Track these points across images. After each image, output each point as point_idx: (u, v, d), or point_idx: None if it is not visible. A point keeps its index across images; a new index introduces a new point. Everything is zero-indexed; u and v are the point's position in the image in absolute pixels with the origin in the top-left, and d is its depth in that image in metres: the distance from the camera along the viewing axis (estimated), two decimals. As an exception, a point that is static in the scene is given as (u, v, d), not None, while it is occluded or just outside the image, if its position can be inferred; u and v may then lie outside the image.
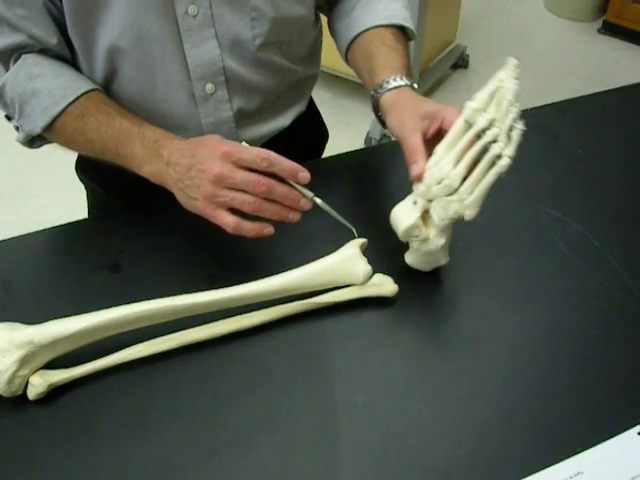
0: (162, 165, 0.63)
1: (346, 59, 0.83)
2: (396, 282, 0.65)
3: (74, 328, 0.56)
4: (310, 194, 0.62)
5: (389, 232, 0.64)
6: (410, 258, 0.66)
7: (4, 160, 2.06)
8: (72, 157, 0.87)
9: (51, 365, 0.58)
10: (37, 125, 0.69)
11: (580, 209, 0.77)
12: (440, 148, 0.59)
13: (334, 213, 0.64)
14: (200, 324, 0.62)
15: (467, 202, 0.57)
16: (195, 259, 0.70)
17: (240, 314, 0.62)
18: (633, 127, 0.92)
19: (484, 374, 0.60)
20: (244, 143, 0.62)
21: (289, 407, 0.57)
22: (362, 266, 0.63)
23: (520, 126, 0.55)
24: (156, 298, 0.59)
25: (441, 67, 2.38)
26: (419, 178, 0.60)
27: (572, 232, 0.74)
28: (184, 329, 0.61)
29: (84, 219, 0.80)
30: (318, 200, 0.63)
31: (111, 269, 0.69)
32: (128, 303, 0.58)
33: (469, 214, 0.58)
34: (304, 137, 0.93)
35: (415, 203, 0.61)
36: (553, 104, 0.95)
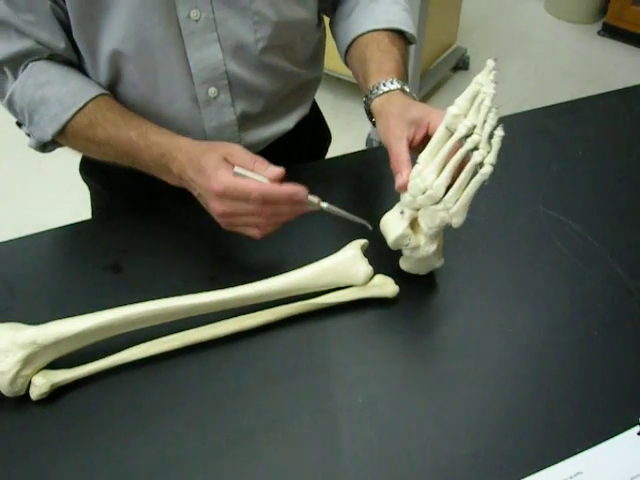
0: (176, 179, 0.66)
1: (345, 62, 0.82)
2: (397, 283, 0.65)
3: (77, 328, 0.56)
4: (316, 201, 0.62)
5: (390, 233, 0.64)
6: (404, 264, 0.66)
7: (8, 161, 2.06)
8: (76, 158, 0.88)
9: (54, 365, 0.58)
10: (47, 133, 0.69)
11: (580, 210, 0.77)
12: (423, 156, 0.59)
13: (344, 213, 0.64)
14: (202, 324, 0.62)
15: (452, 211, 0.58)
16: (197, 260, 0.70)
17: (242, 314, 0.63)
18: (633, 129, 0.92)
19: (484, 374, 0.60)
20: (239, 146, 0.63)
21: (290, 407, 0.58)
22: (363, 267, 0.64)
23: (500, 132, 0.54)
24: (158, 298, 0.59)
25: (442, 69, 2.38)
26: (403, 189, 0.60)
27: (572, 232, 0.74)
28: (186, 329, 0.61)
29: (87, 220, 0.80)
30: (325, 205, 0.63)
31: (114, 270, 0.69)
32: (131, 303, 0.59)
33: (456, 222, 0.58)
34: (307, 140, 0.93)
35: (402, 213, 0.62)
36: (553, 106, 0.96)
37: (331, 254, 0.65)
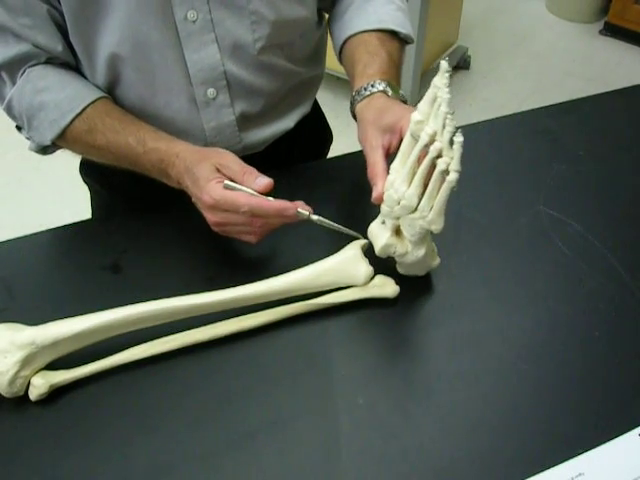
0: (175, 183, 0.66)
1: (340, 62, 0.82)
2: (397, 283, 0.65)
3: (76, 329, 0.56)
4: (306, 214, 0.62)
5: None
6: (400, 269, 0.66)
7: (7, 161, 2.07)
8: (76, 159, 0.88)
9: (52, 366, 0.58)
10: (46, 138, 0.70)
11: (581, 210, 0.77)
12: (394, 166, 0.59)
13: (336, 226, 0.64)
14: (202, 325, 0.62)
15: (428, 219, 0.57)
16: (197, 260, 0.70)
17: (242, 315, 0.63)
18: (634, 128, 0.92)
19: (485, 375, 0.60)
20: (232, 156, 0.63)
21: (290, 407, 0.58)
22: (364, 267, 0.63)
23: (459, 138, 0.52)
24: (158, 299, 0.59)
25: (442, 68, 2.38)
26: (379, 200, 0.60)
27: (572, 232, 0.74)
28: (186, 330, 0.61)
29: (86, 220, 0.80)
30: (315, 217, 0.63)
31: (113, 270, 0.69)
32: (130, 303, 0.59)
33: (435, 228, 0.58)
34: (308, 139, 0.92)
35: (384, 223, 0.62)
36: (554, 105, 0.95)
37: (331, 254, 0.65)
